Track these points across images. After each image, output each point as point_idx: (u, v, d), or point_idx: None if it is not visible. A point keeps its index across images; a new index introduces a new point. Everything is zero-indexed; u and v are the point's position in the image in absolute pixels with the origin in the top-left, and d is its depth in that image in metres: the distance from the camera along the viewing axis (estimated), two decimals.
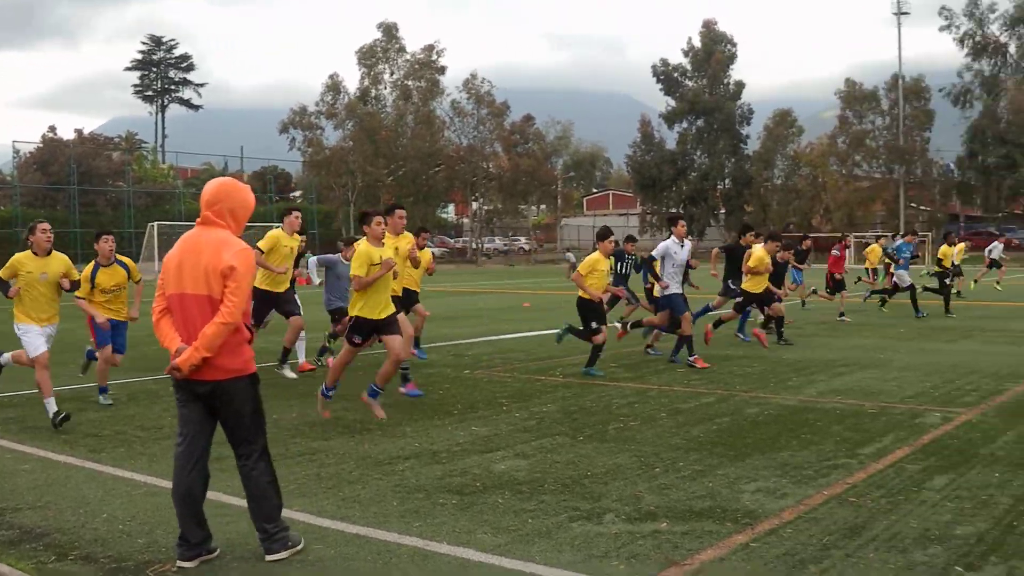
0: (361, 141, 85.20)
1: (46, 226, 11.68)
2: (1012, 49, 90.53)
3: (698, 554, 6.53)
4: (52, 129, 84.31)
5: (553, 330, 17.63)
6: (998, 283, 36.76)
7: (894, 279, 26.21)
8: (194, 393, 6.40)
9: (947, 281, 26.31)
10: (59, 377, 12.87)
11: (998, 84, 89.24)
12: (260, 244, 14.58)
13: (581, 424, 11.15)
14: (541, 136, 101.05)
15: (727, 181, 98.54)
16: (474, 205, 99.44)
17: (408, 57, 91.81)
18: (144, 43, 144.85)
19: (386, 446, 10.03)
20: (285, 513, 6.78)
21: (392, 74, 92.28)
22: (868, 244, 34.66)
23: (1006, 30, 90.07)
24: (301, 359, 16.18)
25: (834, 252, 25.97)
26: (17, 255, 11.57)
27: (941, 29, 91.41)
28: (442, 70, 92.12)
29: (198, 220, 6.52)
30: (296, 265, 15.87)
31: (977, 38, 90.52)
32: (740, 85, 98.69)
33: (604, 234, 15.82)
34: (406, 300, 14.76)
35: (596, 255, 15.60)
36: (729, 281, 19.49)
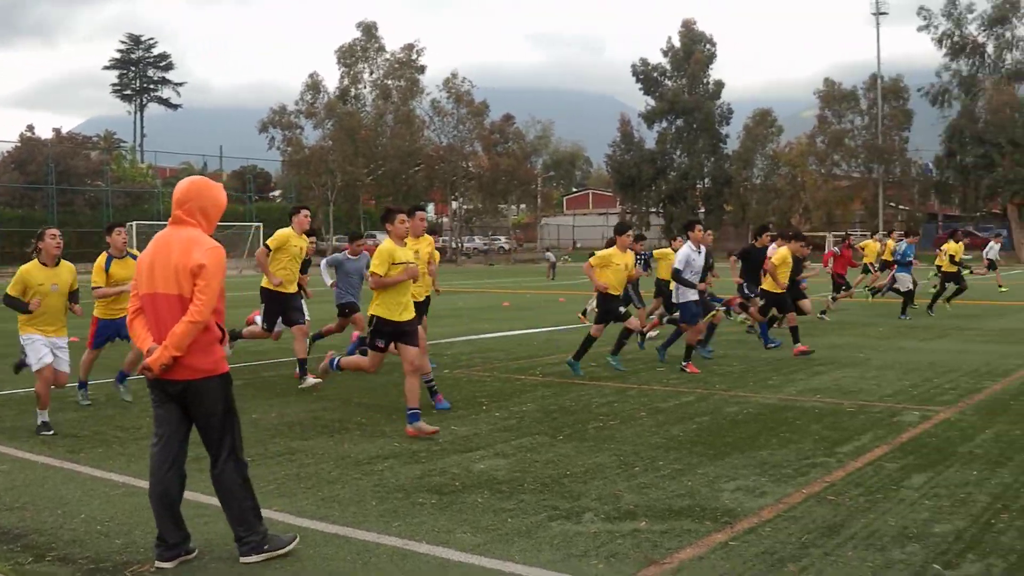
0: (341, 140, 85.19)
1: (55, 232, 11.15)
2: (990, 49, 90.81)
3: (677, 553, 6.54)
4: (30, 128, 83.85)
5: (533, 329, 17.63)
6: (1000, 285, 36.20)
7: (893, 278, 26.11)
8: (167, 393, 6.37)
9: (963, 276, 26.36)
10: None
11: (976, 84, 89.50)
12: (269, 242, 14.24)
13: (561, 423, 11.16)
14: (521, 135, 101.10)
15: (706, 180, 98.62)
16: (454, 204, 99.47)
17: (388, 56, 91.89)
18: (123, 42, 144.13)
19: (365, 446, 10.02)
20: (265, 513, 6.76)
21: (372, 73, 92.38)
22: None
23: (984, 30, 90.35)
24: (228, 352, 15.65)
25: (834, 250, 25.95)
26: (24, 268, 11.03)
27: (920, 29, 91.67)
28: (422, 69, 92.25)
29: (170, 219, 6.48)
30: (304, 270, 15.29)
31: (955, 38, 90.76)
32: (719, 85, 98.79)
33: (622, 229, 15.40)
34: (424, 306, 14.02)
35: (612, 249, 15.30)
36: (745, 286, 18.76)
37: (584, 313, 23.31)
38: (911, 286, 25.28)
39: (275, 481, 8.50)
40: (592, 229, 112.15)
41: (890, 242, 29.04)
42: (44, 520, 7.41)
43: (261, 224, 68.41)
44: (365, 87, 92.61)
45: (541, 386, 14.04)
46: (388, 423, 11.20)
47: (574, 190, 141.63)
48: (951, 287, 26.20)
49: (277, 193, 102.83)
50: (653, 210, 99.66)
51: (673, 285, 16.22)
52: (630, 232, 15.40)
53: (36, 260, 11.03)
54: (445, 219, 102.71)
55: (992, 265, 37.44)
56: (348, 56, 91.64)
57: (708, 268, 16.77)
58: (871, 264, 29.04)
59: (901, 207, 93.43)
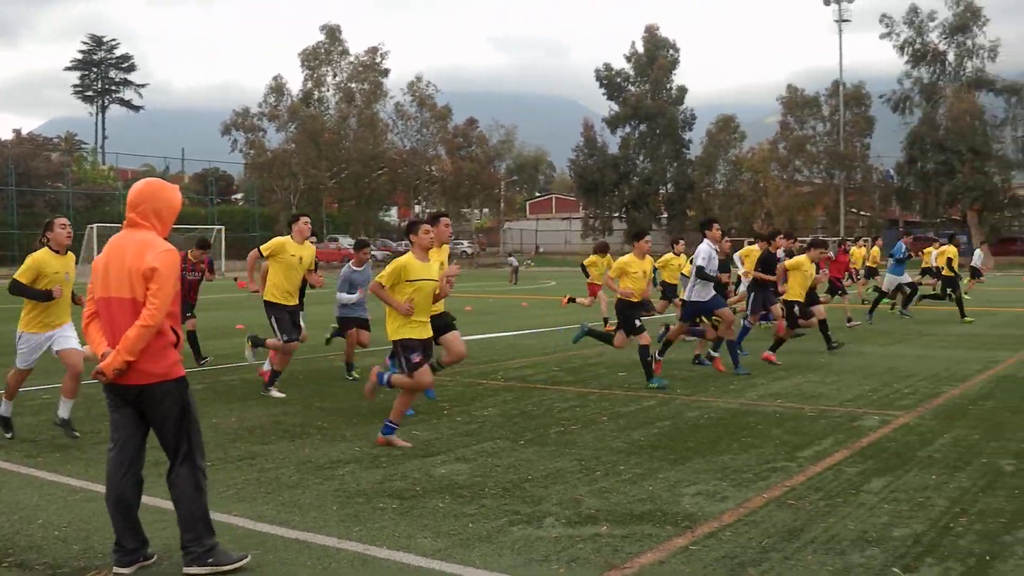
0: (304, 143, 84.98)
1: (65, 221, 10.83)
2: (951, 57, 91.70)
3: (638, 557, 6.54)
4: None
5: (495, 334, 17.61)
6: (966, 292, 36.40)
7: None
8: (123, 398, 6.30)
9: (959, 284, 26.57)
10: None
11: (937, 91, 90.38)
12: (262, 247, 13.63)
13: (522, 428, 11.16)
14: (484, 139, 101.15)
15: (669, 186, 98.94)
16: (417, 208, 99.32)
17: (351, 59, 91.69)
18: (85, 43, 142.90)
19: (326, 450, 9.98)
20: (224, 518, 6.73)
21: (335, 76, 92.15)
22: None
23: (945, 38, 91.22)
24: (265, 366, 14.46)
25: (829, 255, 26.10)
26: (37, 255, 10.58)
27: (882, 37, 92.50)
28: (385, 72, 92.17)
29: (125, 222, 6.41)
30: (303, 287, 14.20)
31: (917, 46, 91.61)
32: (683, 90, 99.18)
33: (639, 234, 14.98)
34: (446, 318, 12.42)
35: (629, 256, 14.74)
36: (754, 294, 18.13)
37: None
38: (893, 286, 25.48)
39: (235, 486, 8.45)
40: (555, 234, 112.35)
41: (875, 249, 29.23)
42: (0, 526, 7.33)
43: (223, 227, 68.16)
44: (328, 90, 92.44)
45: (503, 390, 14.04)
46: (349, 427, 11.17)
47: (537, 195, 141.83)
48: (924, 289, 26.47)
49: (239, 196, 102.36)
50: (616, 215, 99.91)
51: (685, 296, 15.97)
52: (648, 238, 15.03)
53: (47, 248, 10.64)
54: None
55: (976, 272, 37.38)
56: (311, 59, 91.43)
57: (727, 272, 16.87)
58: (855, 270, 29.14)
59: (862, 213, 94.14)
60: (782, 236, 18.96)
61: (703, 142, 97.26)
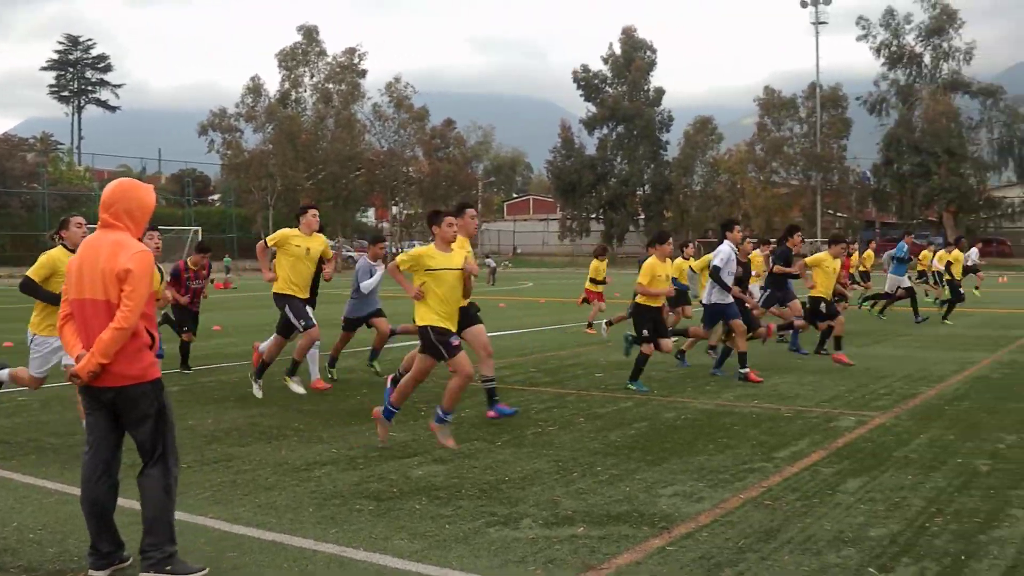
0: (281, 144, 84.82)
1: (81, 220, 10.58)
2: (927, 59, 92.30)
3: (615, 558, 6.54)
4: None
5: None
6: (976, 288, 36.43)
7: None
8: (98, 400, 6.24)
9: (960, 289, 26.63)
10: None
11: (913, 93, 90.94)
12: (268, 238, 13.36)
13: (499, 429, 11.14)
14: (462, 140, 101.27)
15: (647, 187, 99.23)
16: (394, 209, 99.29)
17: (329, 60, 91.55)
18: (61, 42, 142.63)
19: (303, 452, 9.94)
20: (201, 521, 6.70)
21: (312, 77, 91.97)
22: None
23: (921, 40, 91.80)
24: (314, 375, 14.40)
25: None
26: (52, 252, 10.27)
27: (858, 39, 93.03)
28: (363, 73, 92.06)
29: (99, 223, 6.33)
30: (318, 273, 13.78)
31: (893, 48, 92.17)
32: (660, 92, 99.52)
33: (662, 238, 14.55)
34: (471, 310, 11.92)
35: (653, 260, 14.21)
36: (770, 290, 18.16)
37: (591, 326, 23.04)
38: (896, 288, 25.53)
39: (211, 488, 8.41)
40: (532, 235, 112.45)
41: (868, 252, 29.29)
42: None
43: (199, 228, 67.94)
44: (306, 91, 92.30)
45: (480, 392, 13.97)
46: (326, 429, 11.13)
47: (515, 196, 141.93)
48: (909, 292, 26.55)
49: (216, 197, 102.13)
50: (593, 216, 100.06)
51: (706, 299, 15.61)
52: (671, 240, 14.71)
53: (61, 247, 10.33)
54: (385, 224, 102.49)
55: (971, 270, 37.41)
56: (289, 59, 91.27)
57: (748, 276, 16.65)
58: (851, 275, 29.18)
59: (839, 214, 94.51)
60: (798, 234, 18.57)
61: (680, 143, 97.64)
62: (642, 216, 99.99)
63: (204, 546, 6.73)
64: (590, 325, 23.35)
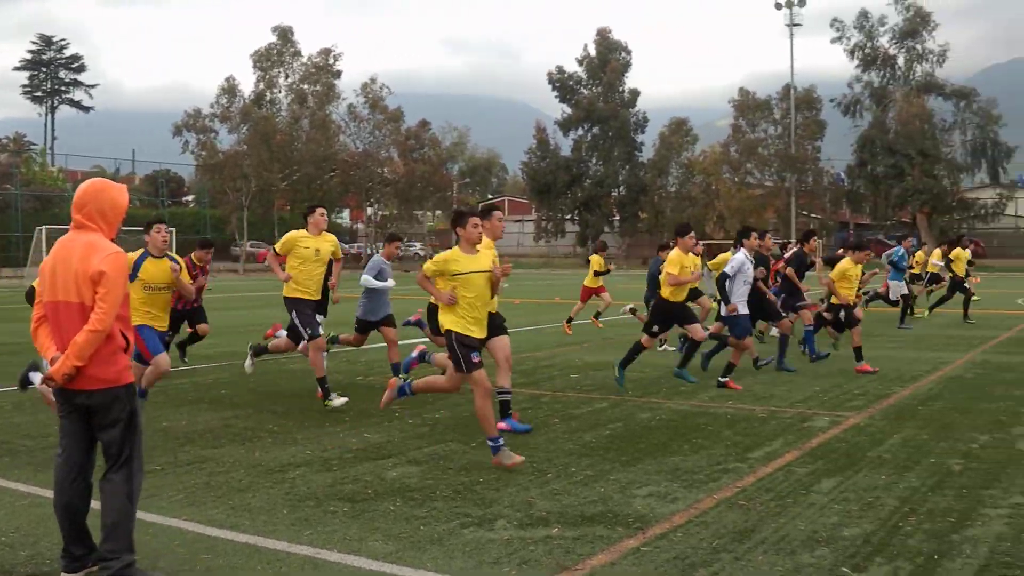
0: (256, 145, 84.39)
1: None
2: (900, 61, 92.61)
3: (589, 559, 6.55)
4: None
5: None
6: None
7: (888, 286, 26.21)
8: (72, 403, 6.19)
9: (965, 285, 26.76)
10: None
11: (887, 95, 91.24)
12: (276, 245, 13.13)
13: (474, 430, 11.10)
14: (437, 142, 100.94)
15: (621, 188, 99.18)
16: (369, 211, 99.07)
17: (304, 61, 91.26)
18: (34, 42, 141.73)
19: (277, 454, 9.92)
20: (174, 523, 6.67)
21: (287, 78, 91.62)
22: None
23: (895, 43, 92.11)
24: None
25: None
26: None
27: (833, 41, 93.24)
28: (338, 74, 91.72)
29: (72, 224, 6.29)
30: (329, 273, 13.47)
31: (867, 50, 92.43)
32: (635, 93, 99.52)
33: (684, 230, 14.42)
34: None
35: (677, 251, 14.13)
36: (784, 296, 17.84)
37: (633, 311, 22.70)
38: (903, 293, 25.59)
39: (184, 490, 8.38)
40: (507, 236, 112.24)
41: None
42: None
43: (174, 229, 67.54)
44: (281, 91, 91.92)
45: (454, 393, 13.99)
46: (300, 431, 11.11)
47: (490, 197, 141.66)
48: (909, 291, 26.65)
49: (190, 198, 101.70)
50: (568, 217, 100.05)
51: (724, 309, 15.05)
52: (692, 233, 14.46)
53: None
54: (360, 225, 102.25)
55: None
56: (264, 60, 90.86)
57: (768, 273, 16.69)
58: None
59: (813, 215, 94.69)
60: (814, 238, 18.41)
61: (655, 145, 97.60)
62: (617, 217, 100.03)
63: (178, 548, 6.71)
64: (570, 320, 23.48)
